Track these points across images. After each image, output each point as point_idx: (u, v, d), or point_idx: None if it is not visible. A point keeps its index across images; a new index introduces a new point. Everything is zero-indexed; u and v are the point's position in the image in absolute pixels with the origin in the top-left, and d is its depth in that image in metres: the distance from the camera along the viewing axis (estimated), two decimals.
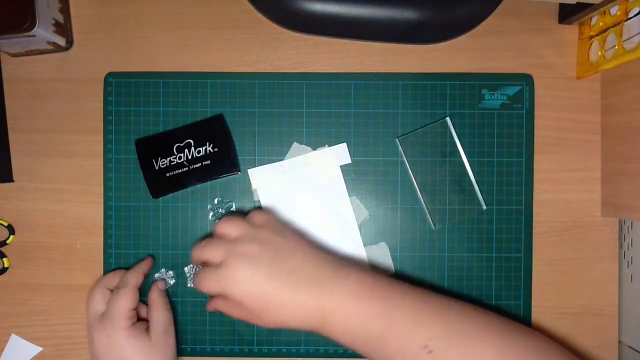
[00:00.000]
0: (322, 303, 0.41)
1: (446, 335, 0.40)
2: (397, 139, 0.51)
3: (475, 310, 0.44)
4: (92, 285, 0.51)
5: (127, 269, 0.51)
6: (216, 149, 0.50)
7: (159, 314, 0.48)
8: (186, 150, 0.50)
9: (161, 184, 0.51)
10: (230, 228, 0.45)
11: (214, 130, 0.51)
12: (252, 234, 0.44)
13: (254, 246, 0.43)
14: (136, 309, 0.48)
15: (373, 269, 0.49)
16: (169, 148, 0.50)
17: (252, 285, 0.42)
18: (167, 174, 0.50)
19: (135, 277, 0.48)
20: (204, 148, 0.50)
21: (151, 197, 0.51)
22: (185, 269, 0.52)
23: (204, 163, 0.50)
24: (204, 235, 0.52)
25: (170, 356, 0.48)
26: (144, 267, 0.50)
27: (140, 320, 0.48)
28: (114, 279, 0.49)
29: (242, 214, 0.50)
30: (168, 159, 0.50)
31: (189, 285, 0.52)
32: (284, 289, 0.42)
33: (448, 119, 0.51)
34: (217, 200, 0.51)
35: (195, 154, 0.50)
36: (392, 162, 0.52)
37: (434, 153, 0.52)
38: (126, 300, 0.46)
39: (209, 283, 0.43)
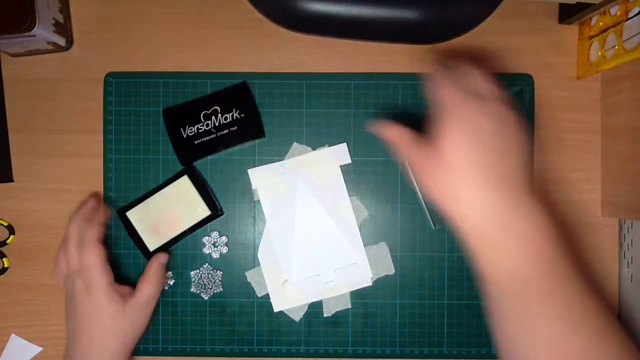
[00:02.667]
0: (512, 213, 0.37)
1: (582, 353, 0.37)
2: None
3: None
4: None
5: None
6: (242, 115, 0.51)
7: (147, 286, 0.48)
8: (213, 117, 0.50)
9: (190, 152, 0.51)
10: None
11: (239, 97, 0.51)
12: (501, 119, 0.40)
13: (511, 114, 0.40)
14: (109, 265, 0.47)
15: None
16: (196, 116, 0.51)
17: (483, 130, 0.38)
18: (195, 142, 0.51)
19: (93, 233, 0.47)
20: (230, 114, 0.50)
21: (180, 164, 0.51)
22: (192, 273, 0.52)
23: (231, 129, 0.51)
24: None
25: (139, 327, 0.48)
26: (99, 218, 0.49)
27: (126, 285, 0.48)
28: (74, 233, 0.48)
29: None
30: (195, 126, 0.50)
31: (192, 290, 0.52)
32: (495, 166, 0.38)
33: None
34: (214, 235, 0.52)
35: (222, 121, 0.50)
36: (392, 162, 0.52)
37: None
38: (95, 257, 0.46)
39: (449, 86, 0.40)
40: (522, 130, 0.40)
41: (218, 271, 0.52)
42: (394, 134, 0.42)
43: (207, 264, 0.52)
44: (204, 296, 0.52)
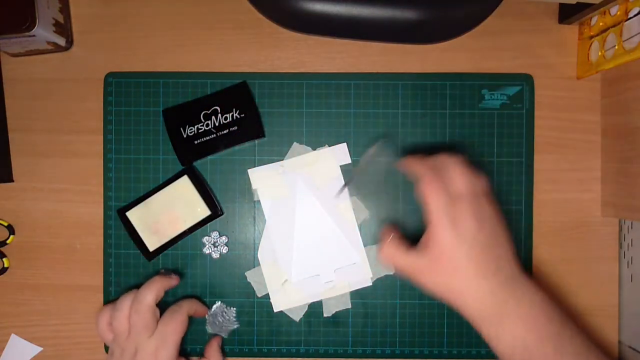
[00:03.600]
0: (511, 299, 0.41)
1: None
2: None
3: None
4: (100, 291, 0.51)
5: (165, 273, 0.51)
6: (242, 115, 0.51)
7: None
8: (213, 117, 0.50)
9: (189, 152, 0.51)
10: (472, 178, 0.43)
11: (239, 96, 0.51)
12: (475, 201, 0.42)
13: (486, 206, 0.42)
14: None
15: None
16: (196, 116, 0.51)
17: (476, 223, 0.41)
18: (195, 142, 0.51)
19: (191, 306, 0.48)
20: (230, 114, 0.51)
21: (180, 164, 0.51)
22: (208, 315, 0.52)
23: (231, 129, 0.51)
24: None
25: None
26: (201, 309, 0.50)
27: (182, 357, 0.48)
28: (157, 291, 0.47)
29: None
30: (195, 126, 0.50)
31: (208, 330, 0.52)
32: (481, 262, 0.41)
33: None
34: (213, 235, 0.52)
35: (222, 121, 0.51)
36: (392, 162, 0.52)
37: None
38: (181, 328, 0.46)
39: (440, 191, 0.42)
40: (500, 221, 0.43)
41: (232, 308, 0.51)
42: (388, 253, 0.44)
43: (219, 303, 0.51)
44: (223, 335, 0.51)
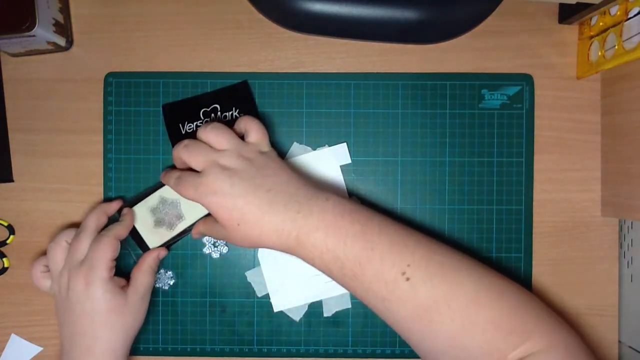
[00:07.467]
0: (300, 221, 0.41)
1: (425, 264, 0.40)
2: None
3: (453, 250, 0.44)
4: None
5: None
6: (242, 114, 0.50)
7: (145, 277, 0.48)
8: (212, 115, 0.50)
9: None
10: (218, 139, 0.44)
11: (240, 96, 0.51)
12: (239, 149, 0.44)
13: (238, 162, 0.43)
14: (116, 261, 0.47)
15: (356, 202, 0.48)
16: (196, 113, 0.51)
17: (228, 198, 0.41)
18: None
19: (118, 230, 0.47)
20: (229, 113, 0.51)
21: None
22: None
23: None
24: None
25: (139, 321, 0.47)
26: (128, 221, 0.49)
27: (119, 276, 0.47)
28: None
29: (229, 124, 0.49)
30: (195, 123, 0.50)
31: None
32: (261, 205, 0.41)
33: None
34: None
35: (222, 119, 0.50)
36: (392, 162, 0.52)
37: None
38: (109, 250, 0.45)
39: (187, 189, 0.43)
40: (267, 158, 0.45)
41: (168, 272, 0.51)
42: (201, 228, 0.48)
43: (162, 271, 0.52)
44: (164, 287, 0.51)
